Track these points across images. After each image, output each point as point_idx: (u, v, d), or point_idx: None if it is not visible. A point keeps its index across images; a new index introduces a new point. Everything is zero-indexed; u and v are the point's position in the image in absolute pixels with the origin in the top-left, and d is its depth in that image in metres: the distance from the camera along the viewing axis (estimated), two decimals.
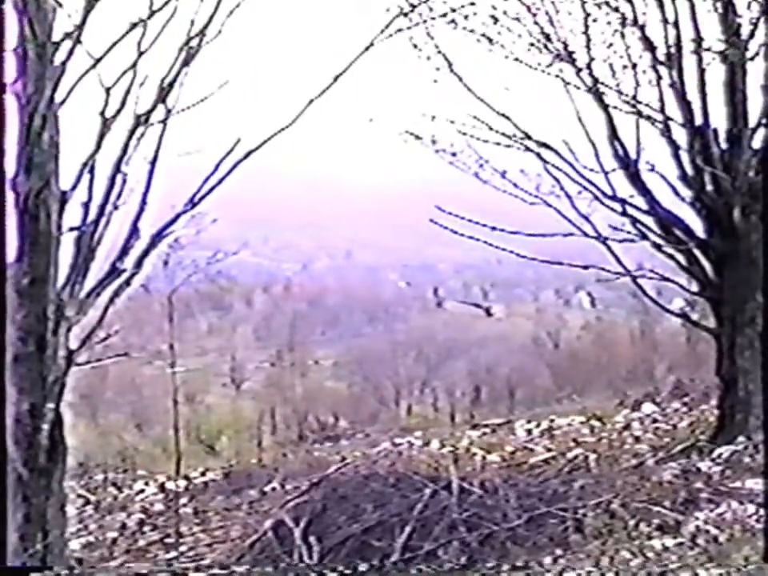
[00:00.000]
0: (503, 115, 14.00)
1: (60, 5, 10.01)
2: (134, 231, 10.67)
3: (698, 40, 13.23)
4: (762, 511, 10.74)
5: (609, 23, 13.53)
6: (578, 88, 13.87)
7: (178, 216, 10.95)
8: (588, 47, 13.61)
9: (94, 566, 11.97)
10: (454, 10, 13.26)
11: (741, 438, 13.21)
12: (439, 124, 14.23)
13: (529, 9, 13.66)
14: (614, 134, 13.84)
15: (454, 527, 11.79)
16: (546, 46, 13.76)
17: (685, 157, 13.63)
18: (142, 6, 10.29)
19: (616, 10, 13.44)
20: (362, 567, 10.86)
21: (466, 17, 13.45)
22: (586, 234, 14.01)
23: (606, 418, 16.69)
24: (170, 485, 14.90)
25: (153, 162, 10.64)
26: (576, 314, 46.82)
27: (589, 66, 13.68)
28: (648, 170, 13.86)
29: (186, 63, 10.60)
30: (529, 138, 14.10)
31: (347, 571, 10.65)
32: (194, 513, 13.68)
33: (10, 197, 9.72)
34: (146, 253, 10.76)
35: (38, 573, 9.74)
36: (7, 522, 6.71)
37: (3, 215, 6.67)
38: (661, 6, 13.23)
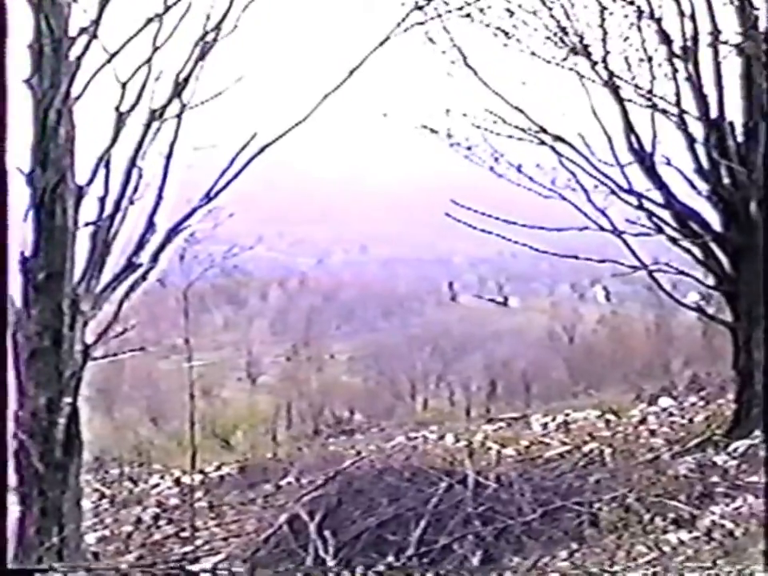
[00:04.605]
0: (518, 109, 13.97)
1: (75, 0, 10.03)
2: (150, 226, 10.68)
3: (715, 33, 13.17)
4: None
5: (625, 16, 13.48)
6: (594, 81, 13.83)
7: (193, 211, 10.96)
8: (604, 40, 13.57)
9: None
10: (469, 4, 13.24)
11: (757, 432, 13.16)
12: (454, 118, 14.21)
13: (544, 2, 13.63)
14: (629, 128, 13.80)
15: (469, 521, 11.78)
16: (561, 40, 13.72)
17: (701, 150, 13.58)
18: (158, 1, 10.31)
19: (632, 3, 13.40)
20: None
21: (481, 10, 13.43)
22: (601, 228, 13.97)
23: (621, 412, 16.66)
24: (185, 479, 14.93)
25: (168, 157, 10.66)
26: (591, 308, 46.79)
27: (605, 60, 13.64)
28: (664, 163, 13.81)
29: (201, 58, 10.61)
30: (544, 131, 14.07)
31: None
32: (209, 507, 13.70)
33: (11, 195, 9.76)
34: (161, 247, 10.78)
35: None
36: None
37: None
38: None
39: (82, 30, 10.03)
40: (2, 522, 6.91)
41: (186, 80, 10.58)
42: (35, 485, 10.12)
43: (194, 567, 11.30)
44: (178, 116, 10.65)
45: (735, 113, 13.44)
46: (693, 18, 13.19)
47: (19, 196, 10.05)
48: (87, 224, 10.35)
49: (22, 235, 10.20)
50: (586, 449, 14.38)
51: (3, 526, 6.93)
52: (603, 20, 13.51)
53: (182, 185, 11.11)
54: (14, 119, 10.01)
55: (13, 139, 10.06)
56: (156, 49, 10.36)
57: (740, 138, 13.42)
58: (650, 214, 13.94)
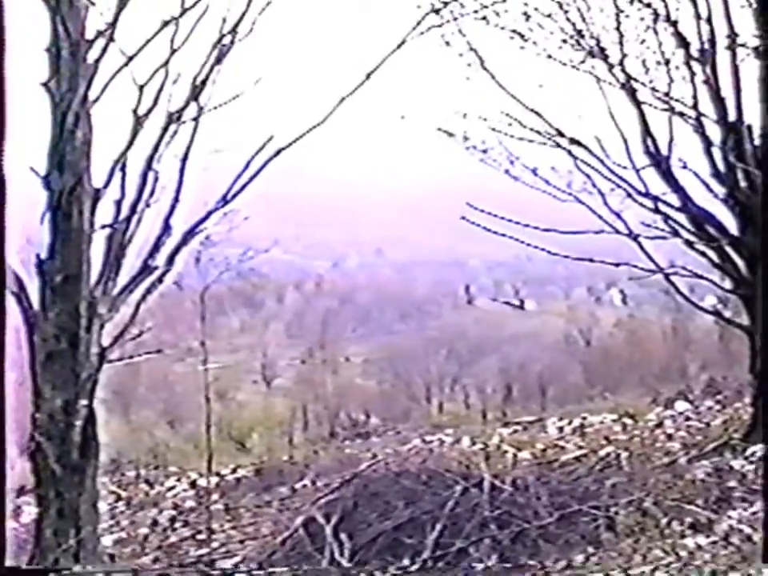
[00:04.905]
0: (535, 112, 13.95)
1: (93, 3, 10.07)
2: (166, 228, 10.71)
3: (732, 35, 13.12)
4: None
5: (642, 19, 13.45)
6: (611, 84, 13.80)
7: (210, 213, 10.98)
8: (621, 43, 13.55)
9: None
10: (485, 7, 13.24)
11: None
12: (471, 121, 14.20)
13: (561, 5, 13.61)
14: (646, 131, 13.77)
15: (486, 525, 11.77)
16: (578, 43, 13.70)
17: (718, 153, 13.53)
18: (174, 4, 10.33)
19: (648, 5, 13.37)
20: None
21: (497, 13, 13.42)
22: (617, 231, 13.94)
23: (638, 416, 16.61)
24: (201, 481, 14.95)
25: (185, 160, 10.68)
26: (608, 312, 46.68)
27: (622, 63, 13.61)
28: (680, 166, 13.78)
29: (218, 61, 10.64)
30: (560, 134, 14.04)
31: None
32: (225, 509, 13.71)
33: (23, 198, 9.78)
34: (177, 250, 10.80)
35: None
36: (6, 522, 6.76)
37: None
38: (694, 1, 13.14)
39: (100, 33, 10.06)
40: (1, 522, 6.91)
41: (204, 83, 10.61)
42: (52, 486, 10.14)
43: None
44: (195, 119, 10.68)
45: (753, 116, 13.38)
46: (710, 20, 13.15)
47: (30, 198, 10.11)
48: (104, 226, 10.38)
49: (29, 236, 10.27)
50: (602, 452, 14.34)
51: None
52: (619, 23, 13.48)
53: (199, 187, 11.13)
54: (31, 122, 10.07)
55: (30, 142, 10.12)
56: (173, 52, 10.40)
57: (757, 142, 13.35)
58: (667, 218, 13.90)
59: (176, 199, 10.70)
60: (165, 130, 10.54)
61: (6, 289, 8.43)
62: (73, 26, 9.93)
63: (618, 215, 13.92)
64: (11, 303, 9.37)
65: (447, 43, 13.79)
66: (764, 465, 11.76)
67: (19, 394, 10.33)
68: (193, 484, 15.21)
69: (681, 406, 17.27)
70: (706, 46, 13.23)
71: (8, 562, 7.97)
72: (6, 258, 8.23)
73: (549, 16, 13.64)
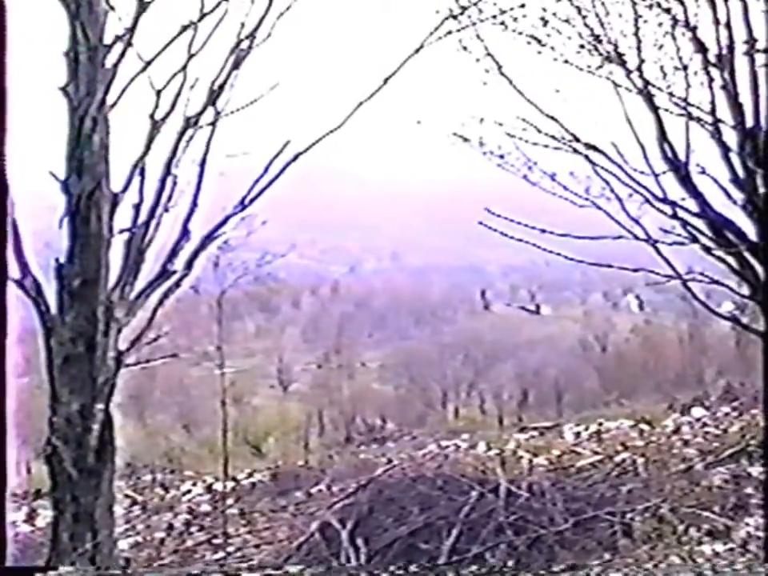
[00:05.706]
0: (552, 117, 13.91)
1: (112, 8, 10.07)
2: (185, 233, 10.70)
3: (751, 41, 13.07)
4: None
5: (660, 24, 13.39)
6: (629, 90, 13.76)
7: (227, 218, 10.96)
8: (639, 49, 13.49)
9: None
10: (503, 12, 13.19)
11: None
12: (488, 126, 14.15)
13: (579, 10, 13.56)
14: (663, 136, 13.71)
15: (501, 530, 11.75)
16: (596, 48, 13.64)
17: (736, 159, 13.48)
18: (193, 9, 10.34)
19: (667, 11, 13.31)
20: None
21: (515, 19, 13.37)
22: (635, 237, 13.87)
23: (654, 422, 16.59)
24: (217, 486, 14.97)
25: (202, 164, 10.67)
26: (624, 317, 46.68)
27: (639, 68, 13.56)
28: (699, 172, 13.72)
29: (236, 66, 10.63)
30: (577, 140, 14.00)
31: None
32: (240, 514, 13.72)
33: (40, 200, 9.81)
34: (196, 254, 10.78)
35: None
36: (6, 522, 6.75)
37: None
38: (713, 6, 13.08)
39: (118, 38, 10.07)
40: (1, 522, 6.91)
41: (221, 87, 10.60)
42: (68, 490, 10.14)
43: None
44: (213, 123, 10.67)
45: None
46: (728, 25, 13.09)
47: (49, 202, 10.14)
48: (122, 231, 10.38)
49: (48, 240, 10.29)
50: (618, 458, 14.31)
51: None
52: (638, 28, 13.42)
53: (216, 192, 11.12)
54: (49, 126, 10.10)
55: (48, 146, 10.15)
56: (191, 56, 10.39)
57: None
58: (685, 223, 13.82)
59: (194, 204, 10.69)
60: (182, 134, 10.54)
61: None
62: (92, 30, 9.94)
63: (636, 221, 13.85)
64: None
65: (465, 48, 13.74)
66: (764, 469, 11.73)
67: (36, 397, 10.37)
68: (208, 488, 15.24)
69: (697, 412, 17.24)
70: (725, 51, 13.17)
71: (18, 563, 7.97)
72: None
73: (567, 21, 13.59)
